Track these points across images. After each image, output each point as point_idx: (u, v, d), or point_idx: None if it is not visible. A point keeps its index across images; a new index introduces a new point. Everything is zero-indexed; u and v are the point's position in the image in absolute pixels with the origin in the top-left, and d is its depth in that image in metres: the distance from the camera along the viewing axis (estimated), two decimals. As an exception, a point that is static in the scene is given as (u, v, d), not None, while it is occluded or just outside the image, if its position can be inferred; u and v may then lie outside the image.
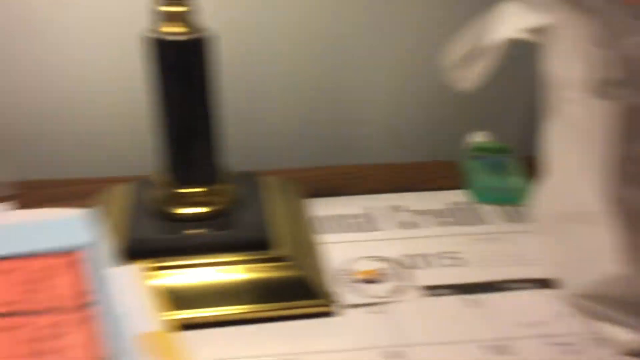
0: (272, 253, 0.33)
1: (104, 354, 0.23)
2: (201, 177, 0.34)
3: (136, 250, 0.32)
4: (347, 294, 0.33)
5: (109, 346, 0.24)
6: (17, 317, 0.25)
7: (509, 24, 0.33)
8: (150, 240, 0.33)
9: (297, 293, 0.32)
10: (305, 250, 0.35)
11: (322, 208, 0.42)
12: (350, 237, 0.39)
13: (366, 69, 0.51)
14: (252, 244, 0.33)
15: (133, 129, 0.51)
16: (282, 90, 0.51)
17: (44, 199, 0.43)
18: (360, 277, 0.35)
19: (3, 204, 0.43)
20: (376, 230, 0.40)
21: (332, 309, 0.32)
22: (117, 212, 0.37)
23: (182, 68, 0.32)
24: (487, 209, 0.42)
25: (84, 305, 0.26)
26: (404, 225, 0.40)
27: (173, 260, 0.33)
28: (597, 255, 0.30)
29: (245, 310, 0.32)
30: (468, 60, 0.34)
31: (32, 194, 0.44)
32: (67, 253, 0.29)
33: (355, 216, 0.41)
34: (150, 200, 0.36)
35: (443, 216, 0.41)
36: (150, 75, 0.32)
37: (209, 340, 0.30)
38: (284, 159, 0.51)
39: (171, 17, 0.31)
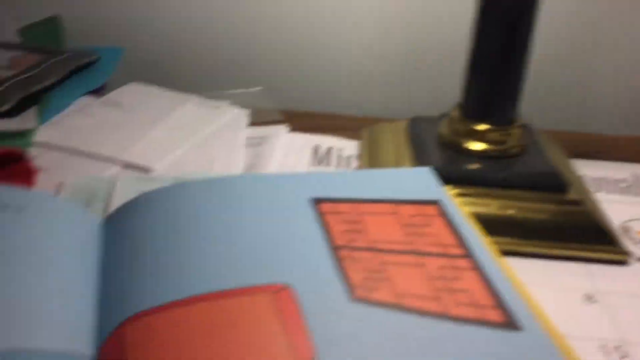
0: (568, 196, 0.34)
1: (497, 302, 0.25)
2: (500, 116, 0.36)
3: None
4: (633, 248, 0.34)
5: (496, 294, 0.25)
6: (414, 256, 0.27)
7: None
8: (443, 169, 0.35)
9: (591, 238, 0.33)
10: (591, 200, 0.36)
11: (585, 169, 0.42)
12: (619, 199, 0.39)
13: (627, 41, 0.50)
14: (548, 186, 0.34)
15: (394, 72, 0.54)
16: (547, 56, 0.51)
17: (308, 127, 0.48)
18: (646, 235, 0.35)
19: (276, 126, 0.48)
20: (647, 196, 0.40)
21: (626, 258, 0.33)
22: (398, 146, 0.40)
23: (510, 10, 0.33)
24: None
25: (464, 255, 0.27)
26: (678, 195, 0.40)
27: (468, 190, 0.35)
28: None
29: (539, 246, 0.33)
30: None
31: (297, 122, 0.48)
32: (426, 204, 0.30)
33: (620, 180, 0.41)
34: (439, 135, 0.38)
35: None
36: (474, 17, 0.34)
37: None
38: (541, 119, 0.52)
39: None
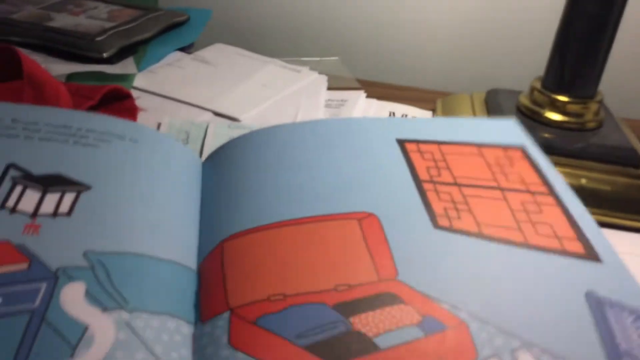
0: (641, 171, 0.35)
1: (578, 235, 0.26)
2: (581, 90, 0.37)
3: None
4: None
5: (577, 228, 0.27)
6: (497, 191, 0.28)
7: None
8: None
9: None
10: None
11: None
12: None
13: None
14: (624, 160, 0.36)
15: (469, 49, 0.56)
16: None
17: (382, 97, 0.50)
18: None
19: (355, 92, 0.50)
20: None
21: (695, 233, 0.34)
22: (475, 113, 0.42)
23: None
24: None
25: (547, 193, 0.28)
26: None
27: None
28: None
29: (609, 215, 0.35)
30: None
31: (372, 91, 0.51)
32: (510, 148, 0.31)
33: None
34: (518, 105, 0.40)
35: None
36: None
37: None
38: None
39: None
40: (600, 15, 0.35)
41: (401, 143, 0.32)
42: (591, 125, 0.38)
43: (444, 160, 0.30)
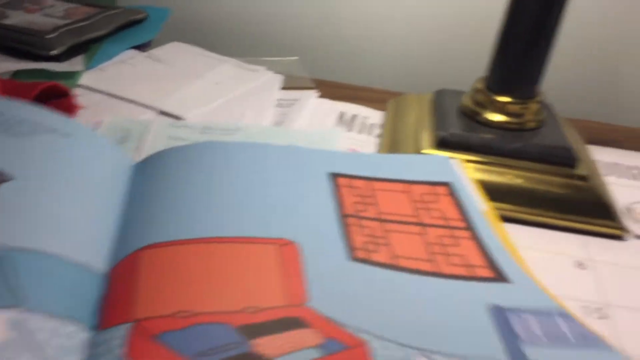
0: (576, 171, 0.35)
1: (488, 263, 0.27)
2: (521, 91, 0.37)
3: (448, 143, 0.37)
4: (633, 227, 0.35)
5: (489, 257, 0.28)
6: (417, 226, 0.30)
7: None
8: (461, 136, 0.37)
9: (593, 212, 0.34)
10: (599, 178, 0.37)
11: (600, 154, 0.43)
12: (628, 183, 0.40)
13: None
14: (558, 160, 0.36)
15: (422, 49, 0.56)
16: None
17: (337, 97, 0.50)
18: (648, 216, 0.36)
19: (307, 91, 0.50)
20: (656, 183, 0.40)
21: (623, 233, 0.34)
22: (421, 115, 0.42)
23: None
24: None
25: (465, 227, 0.30)
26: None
27: (482, 157, 0.36)
28: None
29: (543, 215, 0.35)
30: None
31: (327, 91, 0.50)
32: (437, 185, 0.33)
33: (633, 167, 0.42)
34: (460, 106, 0.40)
35: None
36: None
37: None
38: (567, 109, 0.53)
39: None
40: (540, 16, 0.35)
41: (334, 177, 0.33)
42: (531, 125, 0.38)
43: (372, 196, 0.32)
